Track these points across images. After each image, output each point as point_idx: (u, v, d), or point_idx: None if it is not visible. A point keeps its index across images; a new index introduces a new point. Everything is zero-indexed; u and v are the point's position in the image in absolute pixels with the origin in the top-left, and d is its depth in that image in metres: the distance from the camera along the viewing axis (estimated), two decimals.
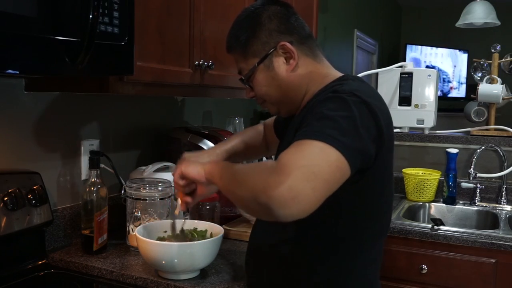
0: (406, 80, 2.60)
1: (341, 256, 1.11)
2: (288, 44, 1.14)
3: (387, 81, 2.62)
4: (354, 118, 0.96)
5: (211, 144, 1.81)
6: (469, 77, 5.55)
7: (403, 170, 2.49)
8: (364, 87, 1.08)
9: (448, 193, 2.40)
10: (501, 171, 2.40)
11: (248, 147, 1.47)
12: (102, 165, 1.53)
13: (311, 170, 0.88)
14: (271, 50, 1.15)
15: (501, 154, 2.42)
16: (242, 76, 1.21)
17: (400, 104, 2.60)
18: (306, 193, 0.87)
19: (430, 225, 1.99)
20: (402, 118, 2.59)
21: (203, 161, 1.24)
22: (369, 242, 1.14)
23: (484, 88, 2.54)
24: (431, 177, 2.44)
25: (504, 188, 2.39)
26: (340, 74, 1.19)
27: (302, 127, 1.00)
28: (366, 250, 1.14)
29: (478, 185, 2.41)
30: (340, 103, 0.99)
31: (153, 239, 1.34)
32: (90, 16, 1.01)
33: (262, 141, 1.50)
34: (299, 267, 1.13)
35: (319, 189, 0.88)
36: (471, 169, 2.36)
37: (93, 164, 1.48)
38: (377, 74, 2.71)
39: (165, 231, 1.38)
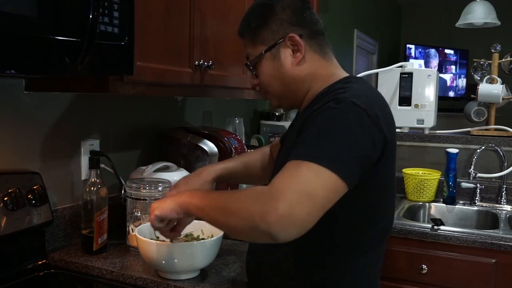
0: (406, 80, 2.60)
1: (340, 257, 1.11)
2: (297, 37, 1.13)
3: (387, 81, 2.62)
4: (352, 132, 0.96)
5: (211, 144, 1.81)
6: (469, 77, 5.55)
7: (403, 170, 2.49)
8: (366, 92, 1.06)
9: (448, 193, 2.40)
10: (501, 171, 2.40)
11: (249, 168, 1.42)
12: (102, 165, 1.53)
13: (307, 195, 0.89)
14: (280, 40, 1.14)
15: (501, 154, 2.42)
16: (248, 61, 1.20)
17: (400, 104, 2.60)
18: (302, 218, 0.88)
19: (430, 225, 1.99)
20: (402, 118, 2.59)
21: (187, 187, 1.25)
22: (369, 244, 1.13)
23: (484, 88, 2.55)
24: (431, 177, 2.44)
25: (504, 188, 2.39)
26: (346, 75, 1.18)
27: (300, 140, 0.99)
28: (366, 251, 1.13)
29: (478, 185, 2.41)
30: (338, 116, 0.98)
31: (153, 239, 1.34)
32: (90, 16, 1.01)
33: (267, 164, 1.44)
34: (298, 267, 1.13)
35: (314, 212, 0.90)
36: (471, 169, 2.36)
37: (93, 164, 1.48)
38: (377, 74, 2.71)
39: None
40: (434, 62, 6.03)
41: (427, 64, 5.95)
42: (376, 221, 1.12)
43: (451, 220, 2.35)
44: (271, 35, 1.15)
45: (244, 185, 1.99)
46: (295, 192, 0.88)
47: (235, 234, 1.12)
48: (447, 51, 6.12)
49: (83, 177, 1.63)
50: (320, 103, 1.04)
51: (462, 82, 6.24)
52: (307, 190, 0.89)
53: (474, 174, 2.36)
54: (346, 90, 1.04)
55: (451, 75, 6.19)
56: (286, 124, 2.65)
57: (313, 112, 1.03)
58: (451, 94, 6.17)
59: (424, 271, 1.96)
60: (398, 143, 1.18)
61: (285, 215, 0.86)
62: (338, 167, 0.92)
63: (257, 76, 1.21)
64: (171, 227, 1.19)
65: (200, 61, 1.55)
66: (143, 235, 1.31)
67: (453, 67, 6.20)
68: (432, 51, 6.01)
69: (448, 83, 6.14)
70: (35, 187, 1.39)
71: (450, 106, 5.67)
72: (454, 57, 6.18)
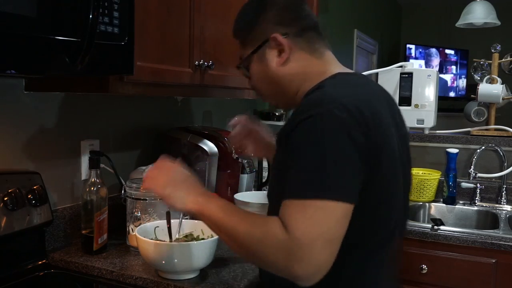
0: (406, 80, 2.60)
1: (349, 259, 1.04)
2: (279, 37, 1.10)
3: (387, 81, 2.62)
4: (339, 149, 0.91)
5: (211, 144, 1.81)
6: (469, 77, 5.55)
7: None
8: (350, 92, 1.00)
9: (448, 193, 2.40)
10: (501, 171, 2.40)
11: None
12: (102, 165, 1.53)
13: (326, 238, 0.89)
14: (265, 42, 1.12)
15: (501, 154, 2.42)
16: (239, 63, 1.19)
17: (400, 104, 2.60)
18: (327, 260, 0.89)
19: (430, 225, 1.99)
20: None
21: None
22: (376, 246, 1.07)
23: (484, 88, 2.55)
24: (431, 177, 2.44)
25: (504, 188, 2.39)
26: (338, 71, 1.12)
27: (289, 168, 0.94)
28: (374, 253, 1.07)
29: (478, 185, 2.41)
30: (317, 132, 0.92)
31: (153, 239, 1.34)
32: (90, 16, 1.01)
33: None
34: None
35: (336, 248, 0.91)
36: (471, 169, 2.36)
37: (93, 164, 1.48)
38: (377, 74, 2.71)
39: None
40: (435, 62, 6.03)
41: (427, 64, 5.94)
42: (382, 222, 1.06)
43: (451, 220, 2.35)
44: (258, 36, 1.13)
45: (245, 184, 2.00)
46: (315, 238, 0.88)
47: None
48: (447, 51, 6.12)
49: (83, 177, 1.63)
50: (296, 116, 0.97)
51: (462, 82, 6.24)
52: (325, 232, 0.89)
53: (474, 174, 2.36)
54: (324, 98, 0.98)
55: (452, 75, 6.19)
56: None
57: (291, 128, 0.97)
58: (452, 94, 6.17)
59: (424, 271, 1.96)
60: None
61: (311, 267, 0.88)
62: (341, 192, 0.90)
63: (249, 78, 1.19)
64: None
65: (200, 61, 1.55)
66: (143, 235, 1.31)
67: (453, 67, 6.20)
68: (433, 50, 6.01)
69: (449, 83, 6.14)
70: (35, 187, 1.39)
71: (450, 106, 5.67)
72: (455, 57, 6.18)
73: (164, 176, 1.11)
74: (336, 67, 1.14)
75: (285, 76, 1.12)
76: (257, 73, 1.16)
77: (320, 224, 0.89)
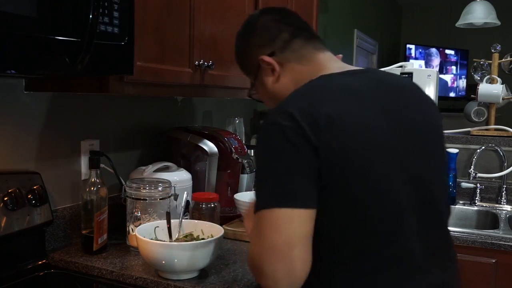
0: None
1: (337, 260, 1.00)
2: (265, 57, 1.15)
3: None
4: (278, 158, 0.93)
5: (211, 144, 1.81)
6: (469, 77, 5.55)
7: None
8: (305, 96, 1.01)
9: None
10: (501, 171, 2.40)
11: None
12: (102, 165, 1.53)
13: (272, 246, 0.91)
14: (258, 67, 1.18)
15: (501, 154, 2.42)
16: (249, 91, 1.31)
17: None
18: (296, 269, 0.91)
19: None
20: None
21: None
22: (370, 247, 0.99)
23: (484, 88, 2.55)
24: None
25: (504, 188, 2.39)
26: (328, 72, 1.10)
27: None
28: (368, 255, 0.99)
29: (478, 185, 2.41)
30: (260, 144, 0.99)
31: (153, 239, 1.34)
32: (90, 16, 1.01)
33: None
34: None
35: (299, 255, 0.91)
36: (471, 169, 2.36)
37: (93, 164, 1.48)
38: None
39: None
40: (435, 62, 6.03)
41: (427, 65, 5.94)
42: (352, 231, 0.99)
43: (451, 220, 2.33)
44: (252, 63, 1.20)
45: (245, 184, 2.00)
46: (268, 256, 0.91)
47: None
48: (447, 51, 6.12)
49: (83, 177, 1.63)
50: None
51: (462, 82, 6.24)
52: (274, 243, 0.90)
53: (474, 174, 2.36)
54: (271, 111, 1.02)
55: (452, 75, 6.19)
56: None
57: None
58: (452, 94, 6.17)
59: None
60: None
61: (280, 280, 0.90)
62: (288, 200, 0.91)
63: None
64: None
65: (200, 61, 1.55)
66: (143, 235, 1.31)
67: (453, 67, 6.19)
68: (433, 50, 6.01)
69: (449, 84, 6.14)
70: (35, 187, 1.39)
71: (450, 106, 5.67)
72: (455, 58, 6.18)
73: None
74: (327, 68, 1.12)
75: (281, 91, 1.16)
76: (263, 95, 1.24)
77: (267, 236, 0.91)
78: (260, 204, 0.94)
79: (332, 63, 1.15)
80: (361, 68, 1.18)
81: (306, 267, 0.92)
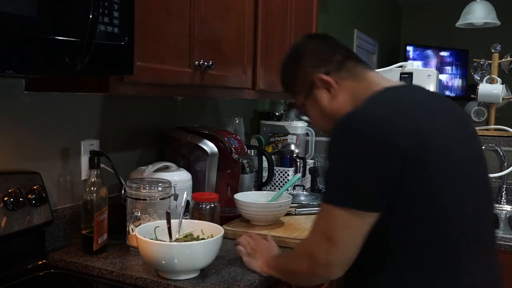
0: (406, 80, 2.60)
1: (393, 268, 1.05)
2: (323, 76, 1.21)
3: None
4: (352, 161, 1.02)
5: (211, 144, 1.81)
6: (469, 77, 5.55)
7: None
8: (379, 106, 1.07)
9: None
10: (501, 171, 2.40)
11: None
12: (102, 165, 1.53)
13: (327, 239, 1.06)
14: (312, 85, 1.23)
15: (501, 154, 2.42)
16: (297, 109, 1.39)
17: None
18: (337, 260, 1.06)
19: None
20: None
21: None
22: (428, 253, 1.04)
23: (484, 88, 2.55)
24: None
25: (504, 188, 2.40)
26: (383, 86, 1.15)
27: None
28: (425, 262, 1.04)
29: None
30: (335, 147, 1.06)
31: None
32: (90, 16, 1.01)
33: None
34: (350, 280, 1.13)
35: (342, 250, 1.06)
36: None
37: (93, 164, 1.48)
38: None
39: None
40: (433, 62, 6.03)
41: (426, 66, 5.94)
42: (436, 223, 1.04)
43: None
44: (304, 83, 1.26)
45: (245, 184, 2.00)
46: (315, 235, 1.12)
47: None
48: (446, 51, 6.12)
49: (83, 177, 1.63)
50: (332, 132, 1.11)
51: (462, 82, 6.23)
52: (326, 234, 1.06)
53: None
54: (352, 116, 1.07)
55: (451, 75, 6.18)
56: (286, 124, 2.65)
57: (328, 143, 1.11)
58: (452, 94, 6.16)
59: None
60: None
61: (321, 268, 1.09)
62: (351, 200, 1.02)
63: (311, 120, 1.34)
64: None
65: (200, 61, 1.55)
66: (143, 235, 1.31)
67: (453, 67, 6.19)
68: (431, 51, 6.01)
69: (448, 84, 6.14)
70: (35, 187, 1.39)
71: None
72: (454, 58, 6.18)
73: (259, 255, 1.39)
74: (379, 84, 1.18)
75: (338, 108, 1.21)
76: (314, 114, 1.29)
77: (323, 226, 1.08)
78: (331, 199, 1.05)
79: (382, 80, 1.22)
80: (405, 83, 1.31)
81: (352, 255, 1.06)
